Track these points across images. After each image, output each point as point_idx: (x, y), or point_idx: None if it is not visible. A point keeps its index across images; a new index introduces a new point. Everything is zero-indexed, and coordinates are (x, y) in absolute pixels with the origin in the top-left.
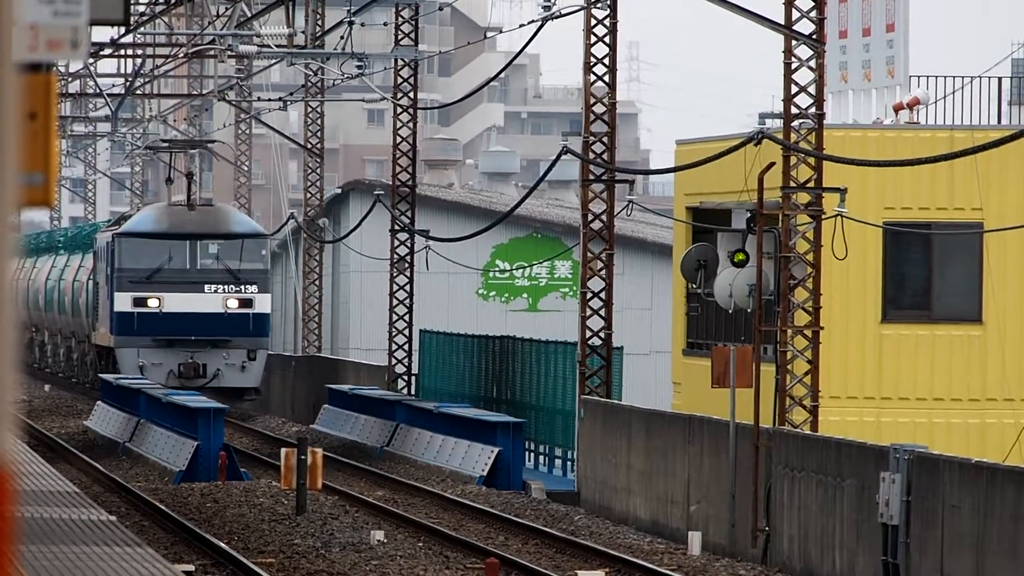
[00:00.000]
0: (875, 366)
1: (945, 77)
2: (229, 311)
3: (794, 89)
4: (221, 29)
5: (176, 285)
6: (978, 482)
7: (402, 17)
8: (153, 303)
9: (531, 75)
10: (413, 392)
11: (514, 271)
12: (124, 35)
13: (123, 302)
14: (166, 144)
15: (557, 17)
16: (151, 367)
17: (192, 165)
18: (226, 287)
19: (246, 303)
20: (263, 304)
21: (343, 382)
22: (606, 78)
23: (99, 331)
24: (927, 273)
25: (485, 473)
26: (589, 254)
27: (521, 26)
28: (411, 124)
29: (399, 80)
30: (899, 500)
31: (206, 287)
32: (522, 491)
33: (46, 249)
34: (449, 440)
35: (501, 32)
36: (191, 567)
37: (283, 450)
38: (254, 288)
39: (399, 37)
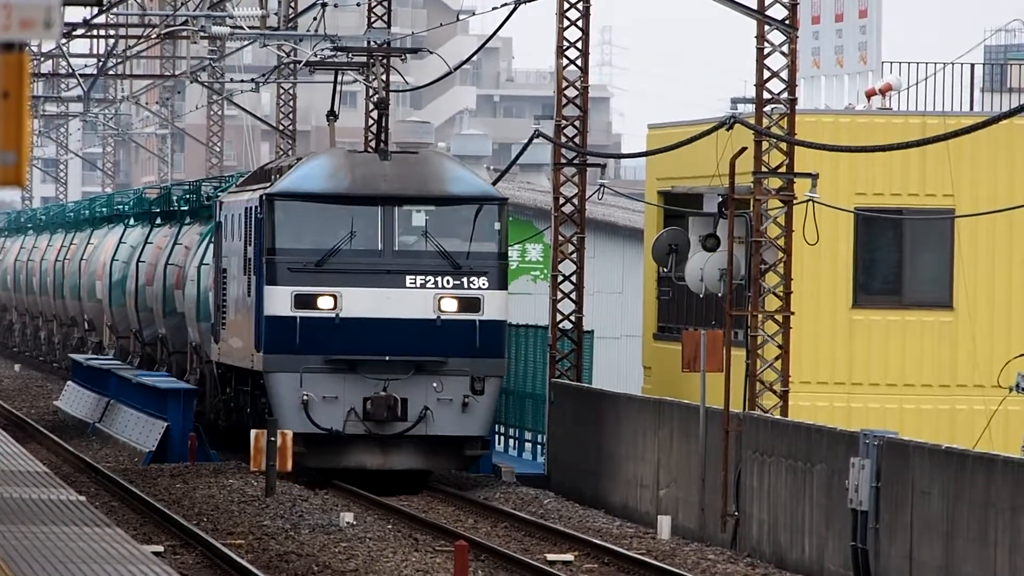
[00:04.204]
0: (846, 351)
1: (918, 63)
2: (444, 317)
3: (766, 74)
4: (194, 10)
5: (362, 276)
6: (948, 468)
7: None
8: (325, 303)
9: (503, 58)
10: None
11: None
12: (97, 15)
13: (278, 301)
14: (334, 56)
15: (530, 0)
16: (321, 403)
17: (381, 87)
18: (440, 280)
19: (471, 305)
20: (497, 306)
21: None
22: (578, 62)
23: (227, 343)
24: (898, 259)
25: None
26: (560, 237)
27: (494, 9)
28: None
29: (372, 62)
30: (869, 486)
31: (408, 279)
32: (492, 474)
33: (104, 220)
34: None
35: (474, 15)
36: (160, 547)
37: (252, 431)
38: (483, 281)
39: (372, 19)
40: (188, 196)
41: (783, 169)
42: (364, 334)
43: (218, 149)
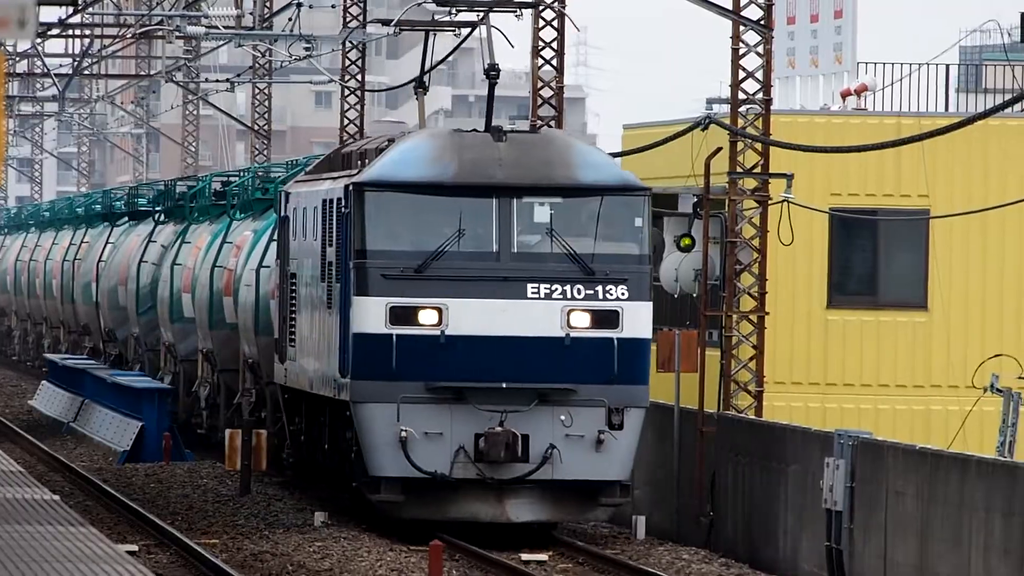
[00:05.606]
0: (820, 352)
1: (893, 64)
2: (575, 334)
3: (742, 75)
4: (169, 10)
5: (472, 284)
6: (922, 468)
7: None
8: (428, 318)
9: (479, 59)
10: None
11: None
12: (72, 15)
13: (370, 315)
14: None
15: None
16: (423, 440)
17: (493, 52)
18: (569, 288)
19: (606, 319)
20: (639, 321)
21: None
22: (554, 62)
23: (298, 363)
24: (873, 259)
25: None
26: None
27: (470, 9)
28: (359, 107)
29: (347, 62)
30: (843, 486)
31: (530, 288)
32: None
33: (121, 215)
34: None
35: (451, 15)
36: (135, 547)
37: (227, 431)
38: (622, 290)
39: (347, 19)
40: (236, 188)
41: (758, 169)
42: (475, 356)
43: (193, 149)
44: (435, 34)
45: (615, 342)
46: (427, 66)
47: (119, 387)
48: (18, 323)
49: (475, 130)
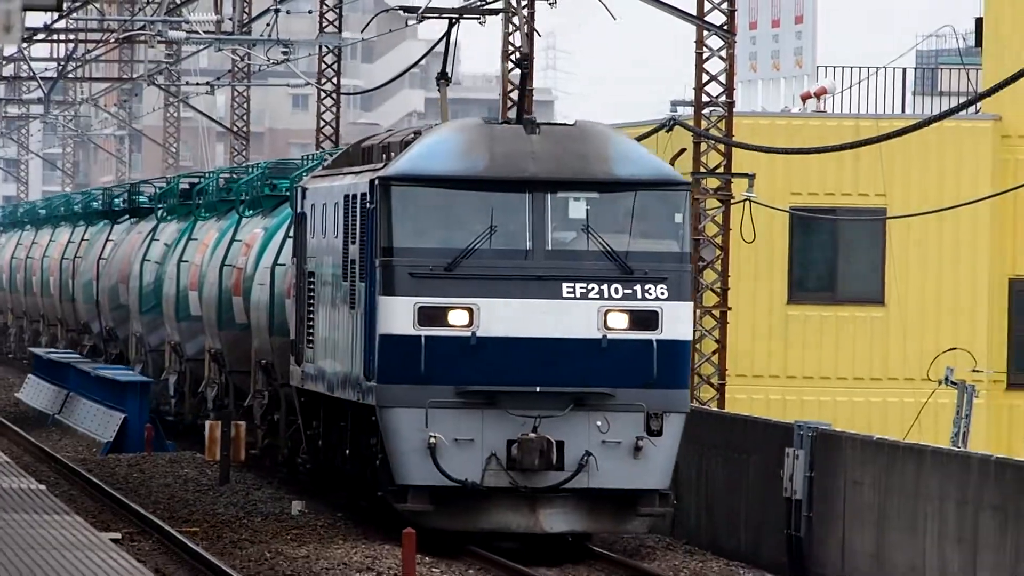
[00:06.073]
0: (781, 346)
1: (852, 67)
2: (612, 336)
3: (705, 78)
4: (151, 15)
5: (504, 283)
6: (879, 459)
7: (327, 5)
8: (458, 319)
9: (452, 61)
10: None
11: None
12: (57, 20)
13: (397, 316)
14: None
15: (478, 6)
16: (453, 447)
17: (524, 42)
18: (607, 288)
19: (645, 321)
20: (679, 323)
21: None
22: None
23: (316, 365)
24: (832, 256)
25: None
26: None
27: (441, 16)
28: (334, 109)
29: (323, 66)
30: (803, 476)
31: (565, 288)
32: None
33: (121, 212)
34: None
35: (423, 20)
36: (118, 535)
37: (207, 422)
38: (661, 290)
39: (323, 24)
40: (244, 184)
41: (721, 169)
42: (508, 358)
43: (174, 150)
44: (458, 22)
45: (654, 344)
46: (450, 56)
47: (102, 380)
48: (14, 320)
49: (507, 121)
